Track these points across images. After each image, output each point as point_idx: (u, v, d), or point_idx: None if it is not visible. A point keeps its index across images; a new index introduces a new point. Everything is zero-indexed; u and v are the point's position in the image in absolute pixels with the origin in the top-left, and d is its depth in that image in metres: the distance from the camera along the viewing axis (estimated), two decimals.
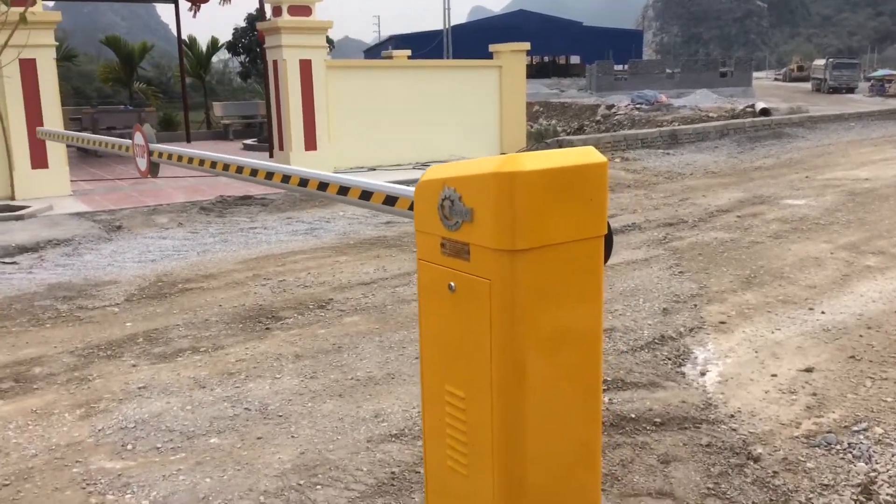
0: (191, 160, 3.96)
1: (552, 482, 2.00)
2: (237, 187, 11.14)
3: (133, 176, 12.57)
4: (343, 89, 13.12)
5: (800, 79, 52.90)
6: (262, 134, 17.37)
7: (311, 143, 12.73)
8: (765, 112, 20.70)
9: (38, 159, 10.38)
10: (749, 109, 21.80)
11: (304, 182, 3.05)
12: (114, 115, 16.29)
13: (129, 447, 3.58)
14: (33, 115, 10.15)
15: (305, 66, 12.50)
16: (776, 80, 60.60)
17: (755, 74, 45.27)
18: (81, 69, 33.36)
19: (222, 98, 28.40)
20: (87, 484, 3.27)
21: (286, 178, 3.17)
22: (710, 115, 21.98)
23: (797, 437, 3.56)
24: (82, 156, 15.67)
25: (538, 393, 1.90)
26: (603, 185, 1.89)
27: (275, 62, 12.69)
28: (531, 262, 1.79)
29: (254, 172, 3.41)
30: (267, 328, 5.23)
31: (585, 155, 1.89)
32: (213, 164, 3.73)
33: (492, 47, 15.50)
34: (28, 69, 10.12)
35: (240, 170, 3.53)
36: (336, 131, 13.08)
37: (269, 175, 3.27)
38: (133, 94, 23.03)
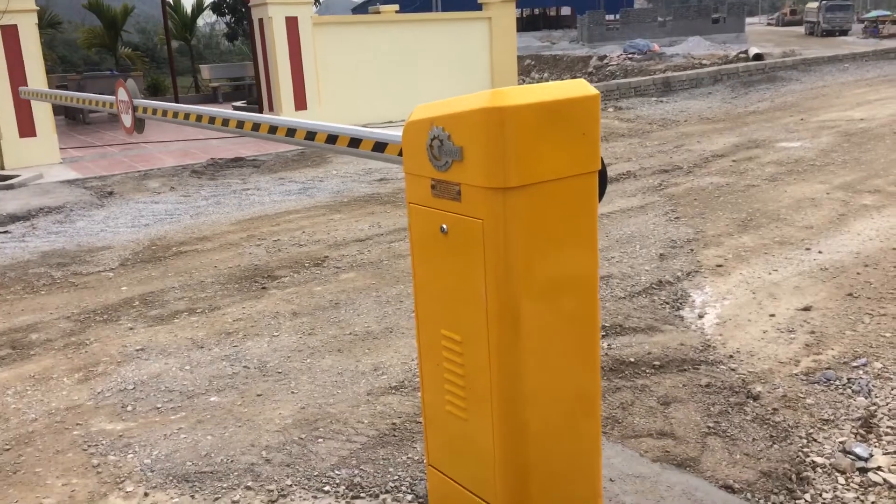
0: (175, 114, 3.89)
1: (552, 426, 1.98)
2: (228, 149, 11.03)
3: (122, 141, 12.44)
4: (331, 46, 12.92)
5: (793, 23, 52.23)
6: (252, 96, 17.15)
7: (300, 103, 12.57)
8: (758, 57, 20.48)
9: (26, 128, 10.25)
10: (742, 55, 21.57)
11: (291, 132, 3.00)
12: (100, 82, 16.04)
13: (129, 408, 3.57)
14: (18, 82, 9.98)
15: (292, 24, 12.29)
16: (769, 24, 59.84)
17: (748, 20, 44.65)
18: (66, 37, 32.81)
19: (209, 61, 28.03)
20: (89, 446, 3.26)
21: (273, 129, 3.11)
22: (703, 62, 21.75)
23: (796, 374, 3.56)
24: (70, 123, 15.49)
25: (535, 336, 1.87)
26: (595, 118, 1.84)
27: (260, 20, 12.47)
28: (524, 199, 1.75)
29: (240, 124, 3.35)
30: (263, 287, 5.20)
31: (576, 88, 1.84)
32: (199, 118, 3.66)
33: None
34: (10, 36, 9.93)
35: (225, 122, 3.46)
36: (326, 90, 12.91)
37: (256, 126, 3.21)
38: (119, 59, 22.69)
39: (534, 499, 1.93)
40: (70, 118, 15.84)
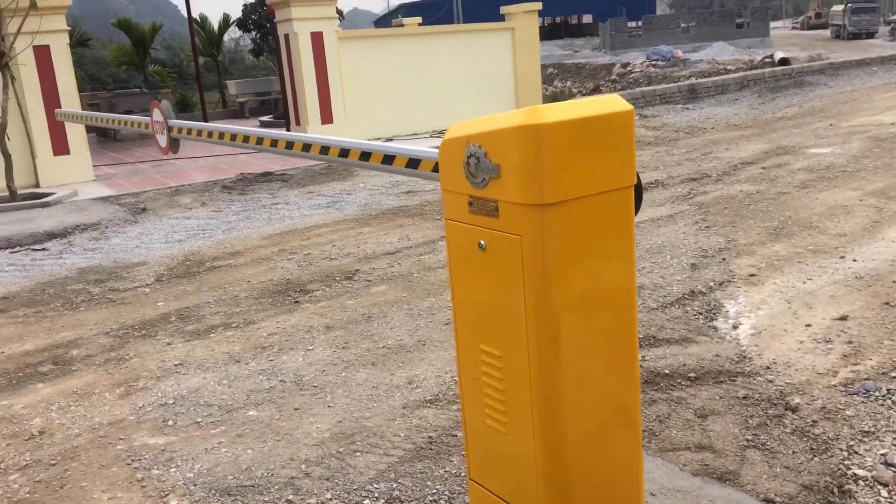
0: (210, 134, 3.96)
1: (592, 439, 2.00)
2: (256, 164, 11.17)
3: (154, 158, 12.65)
4: (356, 60, 13.05)
5: (818, 26, 51.75)
6: (278, 110, 17.35)
7: (326, 117, 12.70)
8: (784, 62, 20.32)
9: (60, 146, 10.46)
10: (768, 60, 21.41)
11: (325, 150, 3.04)
12: (130, 99, 16.34)
13: (171, 423, 3.63)
14: (51, 101, 10.20)
15: (317, 39, 12.43)
16: (794, 28, 59.35)
17: (772, 24, 44.32)
18: (95, 54, 33.40)
19: (236, 76, 28.39)
20: (132, 460, 3.33)
21: (307, 147, 3.16)
22: (728, 67, 21.63)
23: (835, 385, 3.53)
24: (102, 141, 15.77)
25: (574, 350, 1.89)
26: (630, 133, 1.86)
27: (286, 36, 12.63)
28: (561, 215, 1.77)
29: (274, 143, 3.41)
30: (296, 301, 5.26)
31: (610, 103, 1.86)
32: (233, 137, 3.73)
33: (503, 9, 15.30)
34: (43, 56, 10.16)
35: (260, 141, 3.52)
36: (351, 103, 13.03)
37: (290, 145, 3.27)
38: (147, 76, 23.06)
39: None
40: (101, 135, 16.13)
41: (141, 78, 23.80)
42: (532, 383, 1.88)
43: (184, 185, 10.01)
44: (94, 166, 11.11)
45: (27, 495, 3.12)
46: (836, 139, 10.04)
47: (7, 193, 9.25)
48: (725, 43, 30.70)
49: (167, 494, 3.05)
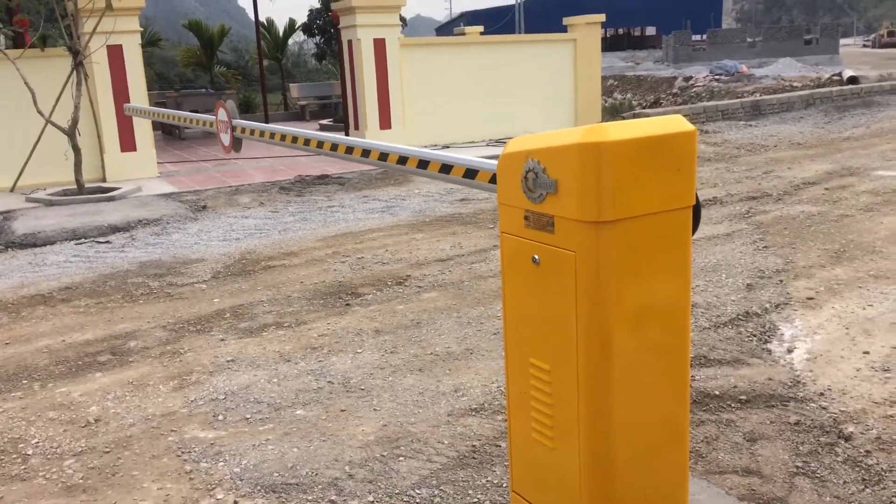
0: (272, 135, 4.05)
1: (639, 458, 1.99)
2: (314, 167, 11.34)
3: (216, 157, 12.95)
4: (417, 67, 13.16)
5: (890, 45, 50.28)
6: (338, 114, 17.59)
7: (385, 122, 12.83)
8: (853, 80, 19.78)
9: (127, 142, 10.79)
10: (836, 78, 20.87)
11: (384, 156, 3.09)
12: (196, 99, 16.76)
13: (220, 417, 3.72)
14: (121, 100, 10.54)
15: (379, 45, 12.57)
16: (865, 46, 57.77)
17: (842, 41, 43.23)
18: (163, 54, 34.35)
19: (298, 79, 28.87)
20: (182, 452, 3.41)
21: (366, 153, 3.21)
22: (795, 84, 21.15)
23: (891, 415, 3.43)
24: (167, 138, 16.20)
25: (624, 368, 1.88)
26: (691, 154, 1.85)
27: (349, 42, 12.80)
28: (617, 233, 1.77)
29: (334, 147, 3.47)
30: (347, 304, 5.33)
31: (673, 124, 1.85)
32: (294, 140, 3.81)
33: (566, 20, 15.25)
34: (115, 55, 10.50)
35: (320, 144, 3.59)
36: (410, 109, 13.13)
37: (350, 150, 3.32)
38: (214, 77, 23.62)
39: None
40: (167, 133, 16.57)
41: (207, 79, 24.39)
42: (580, 400, 1.88)
43: (243, 185, 10.23)
44: (158, 163, 11.43)
45: (80, 481, 3.23)
46: None
47: (75, 186, 9.57)
48: (792, 59, 30.01)
49: (214, 487, 3.12)
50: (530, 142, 1.90)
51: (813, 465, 3.07)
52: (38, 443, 3.56)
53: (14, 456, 3.45)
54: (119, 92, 10.60)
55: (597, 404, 1.87)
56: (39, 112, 9.29)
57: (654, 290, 1.89)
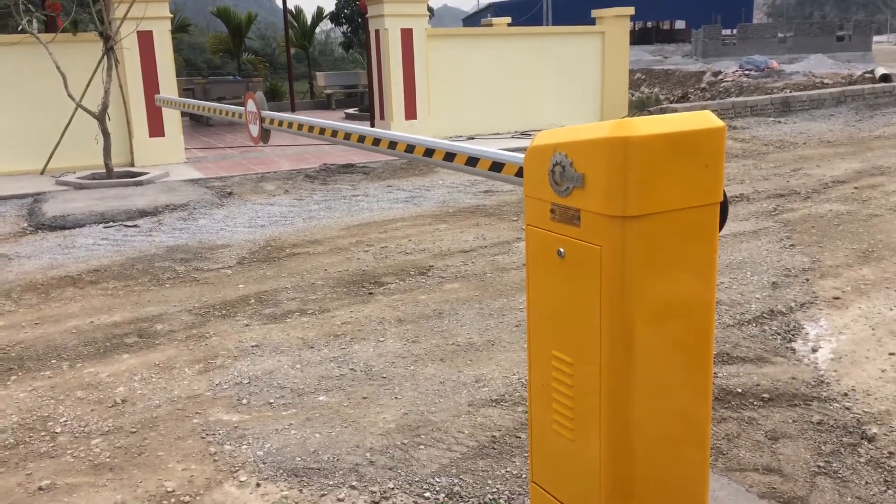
0: (300, 126, 4.07)
1: (659, 454, 1.99)
2: (340, 156, 11.39)
3: (242, 144, 13.04)
4: (443, 58, 13.14)
5: None
6: (364, 103, 17.63)
7: (411, 113, 12.84)
8: (885, 78, 19.46)
9: (156, 128, 10.90)
10: (868, 76, 20.54)
11: (410, 148, 3.10)
12: (223, 86, 16.88)
13: (244, 401, 3.77)
14: (150, 85, 10.64)
15: (407, 36, 12.57)
16: None
17: (875, 38, 42.50)
18: (192, 40, 34.53)
19: (324, 68, 28.94)
20: (207, 434, 3.47)
21: (393, 145, 3.22)
22: (825, 81, 20.86)
23: None
24: (194, 125, 16.33)
25: (647, 362, 1.89)
26: (720, 150, 1.85)
27: (377, 32, 12.82)
28: (643, 228, 1.77)
29: (361, 139, 3.49)
30: (370, 293, 5.36)
31: (702, 119, 1.85)
32: (322, 131, 3.83)
33: (594, 13, 15.14)
34: (145, 41, 10.59)
35: (347, 136, 3.61)
36: (435, 100, 13.13)
37: (377, 141, 3.34)
38: (241, 64, 23.74)
39: None
40: (194, 120, 16.70)
41: (234, 65, 24.53)
42: (602, 393, 1.89)
43: (269, 172, 10.30)
44: (185, 149, 11.53)
45: (107, 459, 3.29)
46: None
47: (104, 170, 9.69)
48: (824, 56, 29.56)
49: (238, 470, 3.17)
50: (558, 135, 1.91)
51: (835, 465, 3.06)
52: (66, 421, 3.63)
53: (43, 433, 3.53)
54: (148, 78, 10.71)
55: (618, 398, 1.88)
56: (70, 96, 9.41)
57: (678, 286, 1.89)
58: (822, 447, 3.19)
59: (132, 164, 10.79)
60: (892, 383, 3.74)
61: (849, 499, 2.84)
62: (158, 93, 10.44)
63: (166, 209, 8.18)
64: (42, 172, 10.22)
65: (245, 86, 17.00)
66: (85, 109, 9.48)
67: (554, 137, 1.91)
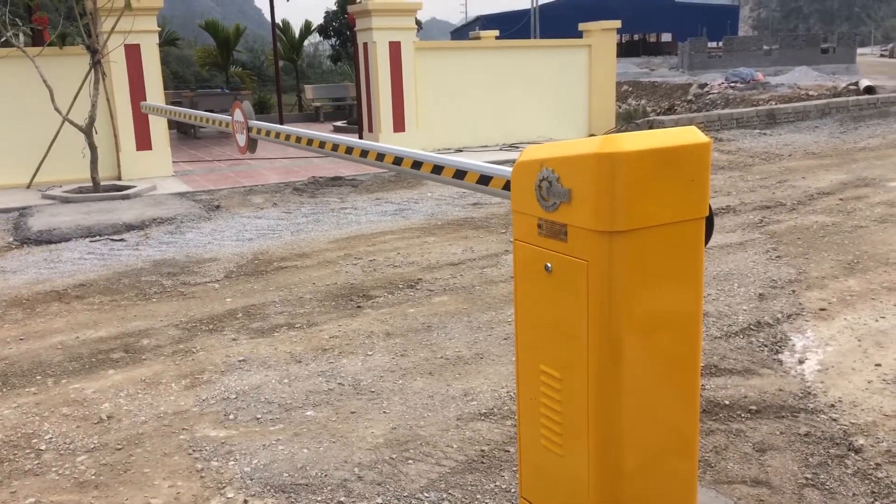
0: (287, 137, 4.07)
1: (647, 467, 1.99)
2: (328, 168, 11.39)
3: (230, 157, 13.02)
4: (431, 70, 13.19)
5: None
6: (352, 116, 17.65)
7: (399, 125, 12.86)
8: (869, 90, 19.68)
9: (143, 141, 10.87)
10: (852, 87, 20.76)
11: (398, 160, 3.11)
12: (212, 98, 16.86)
13: (232, 417, 3.75)
14: (138, 98, 10.62)
15: (395, 48, 12.61)
16: (882, 56, 57.39)
17: (859, 51, 42.91)
18: (179, 53, 34.55)
19: (312, 81, 28.98)
20: (193, 450, 3.44)
21: (381, 157, 3.23)
22: (810, 93, 21.07)
23: None
24: (182, 137, 16.29)
25: (635, 376, 1.89)
26: (705, 165, 1.86)
27: (365, 45, 12.85)
28: (630, 243, 1.78)
29: (349, 150, 3.49)
30: (358, 306, 5.35)
31: (687, 135, 1.86)
32: (310, 142, 3.83)
33: (581, 26, 15.25)
34: (133, 54, 10.58)
35: (335, 147, 3.61)
36: (423, 113, 13.16)
37: (364, 153, 3.35)
38: (229, 77, 23.74)
39: None
40: (182, 133, 16.68)
41: (222, 78, 24.52)
42: (590, 407, 1.89)
43: (257, 185, 10.28)
44: (173, 162, 11.49)
45: (93, 477, 3.26)
46: None
47: (91, 184, 9.65)
48: (809, 68, 29.85)
49: (224, 486, 3.14)
50: (545, 151, 1.92)
51: (822, 476, 3.07)
52: (51, 438, 3.60)
53: (27, 451, 3.49)
54: (136, 91, 10.69)
55: (606, 412, 1.88)
56: (57, 109, 9.37)
57: (665, 299, 1.90)
58: (810, 459, 3.20)
59: (119, 178, 10.75)
60: (879, 394, 3.76)
61: None
62: (145, 101, 10.40)
63: (153, 223, 8.15)
64: (28, 186, 10.17)
65: (233, 98, 16.98)
66: (72, 123, 9.45)
67: (541, 153, 1.92)
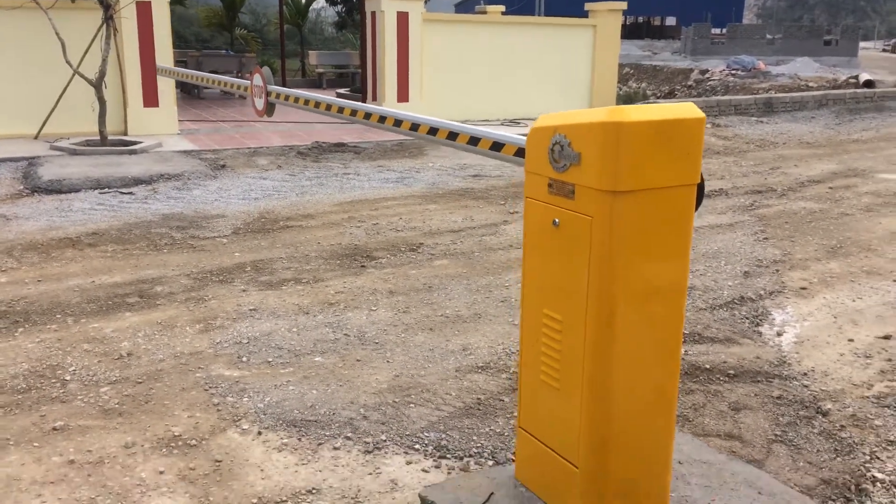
0: (307, 102, 4.28)
1: (632, 409, 2.24)
2: (331, 134, 11.55)
3: (233, 118, 13.16)
4: (437, 42, 13.31)
5: None
6: (355, 84, 17.75)
7: (403, 95, 13.01)
8: (868, 84, 19.88)
9: (150, 98, 11.00)
10: (852, 80, 20.97)
11: (414, 126, 3.33)
12: (216, 59, 16.94)
13: (244, 359, 3.99)
14: (147, 56, 10.73)
15: (402, 19, 12.73)
16: (885, 50, 57.46)
17: (862, 44, 43.01)
18: (182, 13, 34.28)
19: (314, 47, 28.94)
20: (210, 387, 3.69)
21: (398, 122, 3.45)
22: (810, 84, 21.26)
23: (867, 397, 3.70)
24: (186, 98, 16.38)
25: (628, 320, 2.13)
26: (699, 138, 2.10)
27: (373, 13, 12.96)
28: (630, 202, 2.02)
29: (367, 116, 3.71)
30: (362, 266, 5.59)
31: (685, 110, 2.09)
32: (329, 107, 4.04)
33: (588, 5, 15.35)
34: (144, 11, 10.68)
35: (353, 113, 3.83)
36: (427, 84, 13.31)
37: (382, 119, 3.56)
38: (234, 39, 23.72)
39: (612, 465, 2.20)
40: (185, 93, 16.75)
41: (223, 39, 24.49)
42: (587, 347, 2.14)
43: (262, 147, 10.45)
44: (178, 121, 11.63)
45: (116, 405, 3.51)
46: None
47: (98, 137, 9.80)
48: (810, 59, 29.98)
49: (240, 419, 3.40)
50: (558, 118, 2.15)
51: (790, 434, 3.34)
52: (74, 370, 3.84)
53: (53, 381, 3.73)
54: (145, 48, 10.80)
55: (601, 350, 2.12)
56: (68, 62, 9.49)
57: (659, 255, 2.14)
58: (780, 419, 3.47)
59: (125, 133, 10.89)
60: (849, 366, 4.03)
61: (801, 463, 3.12)
62: (155, 63, 10.54)
63: (161, 178, 8.33)
64: (36, 137, 10.31)
65: (238, 60, 17.07)
66: (82, 76, 9.57)
67: (554, 120, 2.15)
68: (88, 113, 9.84)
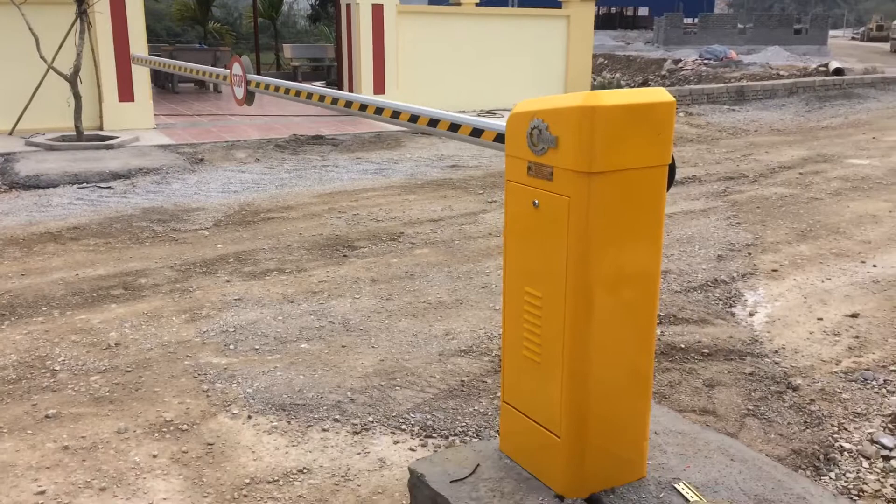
0: (288, 91, 4.34)
1: (610, 382, 2.34)
2: (309, 127, 11.58)
3: (210, 112, 13.12)
4: (413, 34, 13.36)
5: (879, 38, 50.70)
6: (330, 77, 17.74)
7: (379, 88, 13.05)
8: (838, 72, 20.21)
9: (125, 92, 10.96)
10: (822, 69, 21.29)
11: (396, 114, 3.41)
12: (190, 53, 16.82)
13: (231, 347, 4.06)
14: (122, 50, 10.69)
15: (377, 11, 12.76)
16: (853, 39, 58.24)
17: (831, 33, 43.55)
18: (153, 7, 33.97)
19: (287, 40, 28.82)
20: (198, 374, 3.76)
21: (379, 111, 3.53)
22: (781, 73, 21.56)
23: (836, 372, 3.85)
24: (160, 92, 16.27)
25: (606, 294, 2.23)
26: (670, 121, 2.20)
27: (348, 6, 12.98)
28: (605, 182, 2.12)
29: (348, 104, 3.78)
30: (344, 255, 5.67)
31: (656, 94, 2.20)
32: (309, 95, 4.11)
33: None
34: (117, 5, 10.63)
35: (335, 101, 3.90)
36: (403, 76, 13.36)
37: (363, 107, 3.64)
38: (207, 33, 23.57)
39: (592, 435, 2.31)
40: (159, 87, 16.64)
41: (195, 33, 24.32)
42: (566, 323, 2.24)
43: (239, 141, 10.46)
44: (154, 115, 11.59)
45: (107, 393, 3.57)
46: (877, 152, 10.19)
47: (73, 133, 9.76)
48: (781, 48, 30.37)
49: (230, 404, 3.47)
50: (536, 104, 2.24)
51: (762, 408, 3.48)
52: (64, 360, 3.89)
53: (43, 371, 3.78)
54: (120, 42, 10.75)
55: (579, 324, 2.23)
56: (42, 58, 9.43)
57: (634, 230, 2.25)
58: (753, 394, 3.61)
59: (101, 128, 10.84)
60: (818, 343, 4.19)
61: (772, 435, 3.26)
62: (130, 57, 10.50)
63: (139, 172, 8.33)
64: (10, 133, 10.23)
65: (213, 54, 16.99)
66: (57, 72, 9.52)
67: (532, 105, 2.25)
68: (64, 108, 9.79)
